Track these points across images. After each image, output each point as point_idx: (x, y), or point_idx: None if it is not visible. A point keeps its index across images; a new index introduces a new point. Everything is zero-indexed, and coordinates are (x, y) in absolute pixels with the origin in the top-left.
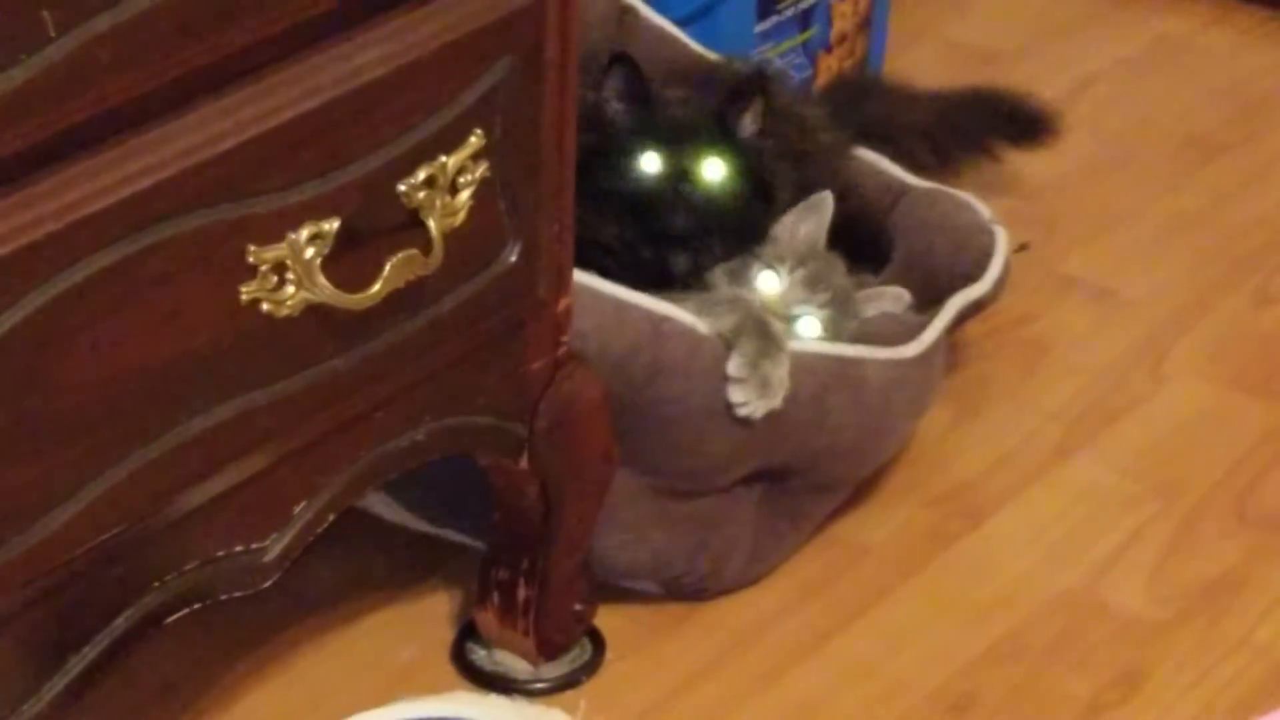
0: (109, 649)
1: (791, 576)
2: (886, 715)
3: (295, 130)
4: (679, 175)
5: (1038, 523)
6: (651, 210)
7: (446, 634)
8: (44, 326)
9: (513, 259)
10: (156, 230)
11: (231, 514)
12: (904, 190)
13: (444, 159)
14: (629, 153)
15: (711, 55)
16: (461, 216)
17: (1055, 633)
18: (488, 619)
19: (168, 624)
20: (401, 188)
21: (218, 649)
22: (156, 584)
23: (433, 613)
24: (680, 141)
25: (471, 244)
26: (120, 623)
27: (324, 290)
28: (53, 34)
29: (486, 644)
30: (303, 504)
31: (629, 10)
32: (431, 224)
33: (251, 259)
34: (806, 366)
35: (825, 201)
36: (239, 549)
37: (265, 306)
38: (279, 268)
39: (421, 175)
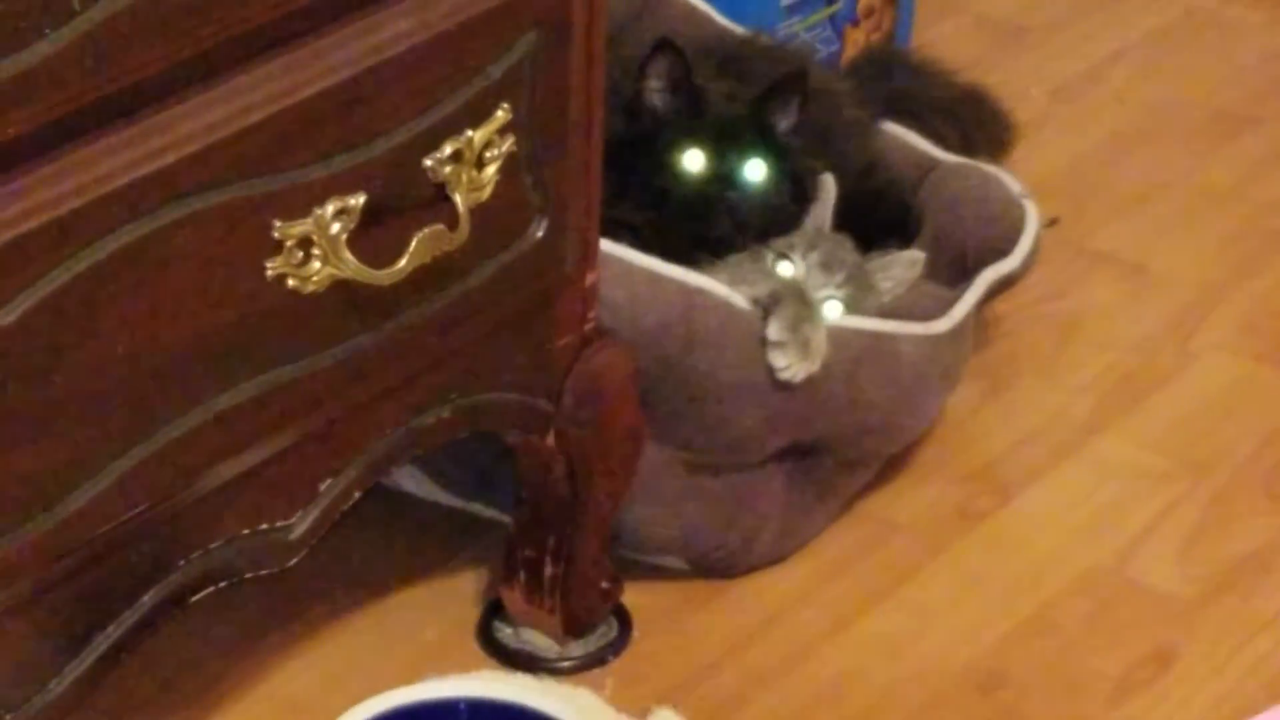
0: (134, 627)
1: (820, 554)
2: (916, 693)
3: (321, 105)
4: (723, 178)
5: (1067, 499)
6: (692, 211)
7: (473, 612)
8: (69, 303)
9: (539, 234)
10: (181, 206)
11: (257, 491)
12: (933, 165)
13: (470, 133)
14: (671, 147)
15: (738, 29)
16: (488, 191)
17: (1085, 610)
18: (514, 597)
19: (194, 601)
20: (428, 162)
21: (244, 626)
22: (182, 562)
23: (459, 591)
24: (724, 139)
25: (498, 219)
26: (146, 601)
27: (350, 266)
28: (77, 8)
29: (513, 622)
30: (329, 481)
31: None
32: (458, 199)
33: (277, 234)
34: (840, 341)
35: (827, 183)
36: (265, 526)
37: (291, 282)
38: (305, 243)
39: (448, 150)
